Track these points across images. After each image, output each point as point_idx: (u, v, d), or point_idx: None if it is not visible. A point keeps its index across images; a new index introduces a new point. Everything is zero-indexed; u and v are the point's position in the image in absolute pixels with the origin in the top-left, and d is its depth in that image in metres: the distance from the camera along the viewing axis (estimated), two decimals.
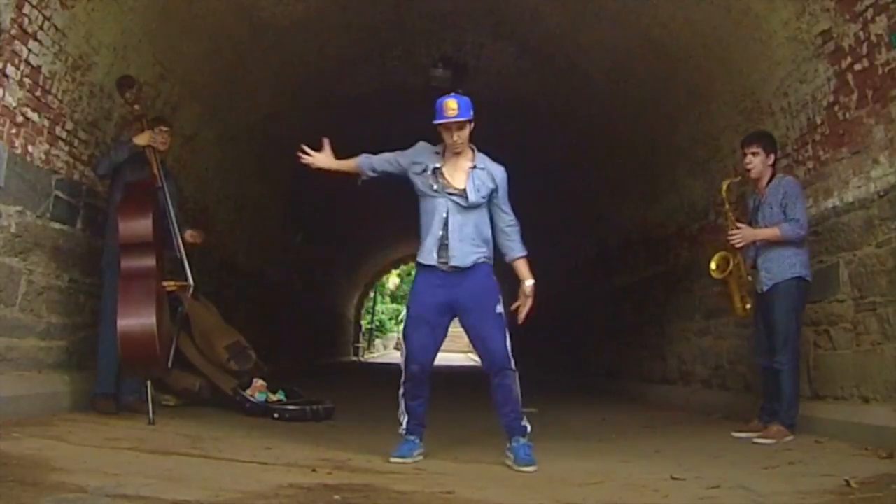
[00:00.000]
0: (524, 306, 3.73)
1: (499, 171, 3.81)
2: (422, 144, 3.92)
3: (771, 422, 4.45)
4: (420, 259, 3.77)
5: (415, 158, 3.87)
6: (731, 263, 4.74)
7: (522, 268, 3.79)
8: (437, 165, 3.78)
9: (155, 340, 4.17)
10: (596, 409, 7.02)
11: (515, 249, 3.79)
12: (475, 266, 3.70)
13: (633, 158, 8.13)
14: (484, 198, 3.75)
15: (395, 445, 3.67)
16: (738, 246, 4.66)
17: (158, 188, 4.56)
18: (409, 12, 7.09)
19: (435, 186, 3.74)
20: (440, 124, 3.74)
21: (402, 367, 3.72)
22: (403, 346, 3.78)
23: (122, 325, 4.14)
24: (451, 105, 3.71)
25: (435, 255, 3.70)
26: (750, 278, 4.71)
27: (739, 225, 4.68)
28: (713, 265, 4.82)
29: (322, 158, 3.99)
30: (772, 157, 4.68)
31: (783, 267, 4.49)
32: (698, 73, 6.13)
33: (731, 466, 3.50)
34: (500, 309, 3.69)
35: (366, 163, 3.99)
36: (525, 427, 3.61)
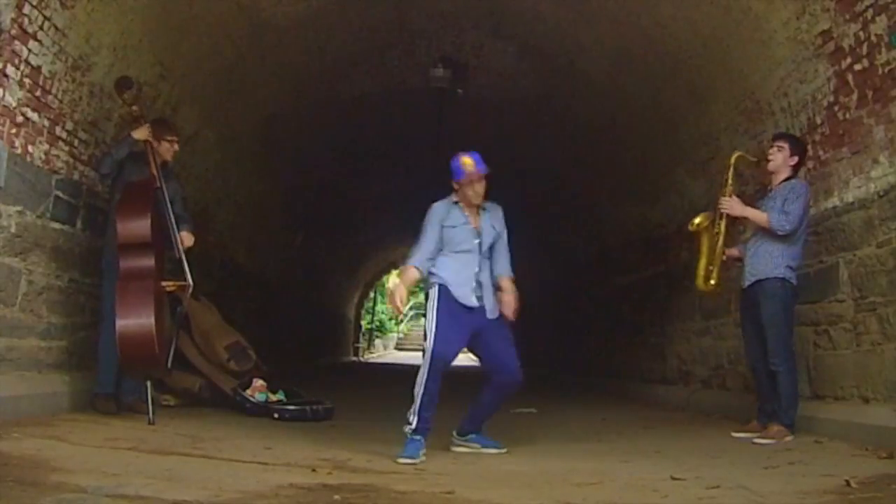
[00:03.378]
0: (510, 304, 4.00)
1: (500, 212, 4.16)
2: (440, 206, 4.08)
3: (769, 422, 4.46)
4: (454, 295, 3.94)
5: (444, 220, 4.03)
6: (708, 220, 4.78)
7: (507, 284, 4.09)
8: (468, 220, 4.04)
9: (153, 340, 4.17)
10: (596, 409, 7.02)
11: (506, 269, 4.12)
12: None
13: (633, 158, 8.13)
14: (495, 228, 4.08)
15: (403, 445, 3.69)
16: (723, 210, 4.71)
17: (157, 188, 4.55)
18: (409, 12, 7.08)
19: (476, 240, 4.02)
20: (462, 183, 3.98)
21: (428, 361, 3.81)
22: (431, 341, 3.86)
23: (121, 325, 4.14)
24: (468, 161, 3.97)
25: (474, 299, 3.97)
26: (725, 257, 4.76)
27: (734, 196, 4.74)
28: (696, 220, 4.86)
29: (403, 297, 3.98)
30: (795, 158, 4.65)
31: (768, 265, 4.50)
32: (698, 73, 6.13)
33: (731, 466, 3.50)
34: (510, 333, 4.08)
35: (423, 267, 4.00)
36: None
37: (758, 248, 4.59)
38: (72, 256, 4.72)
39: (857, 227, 4.47)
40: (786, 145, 4.66)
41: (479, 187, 4.00)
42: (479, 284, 4.00)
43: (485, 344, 4.04)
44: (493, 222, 4.10)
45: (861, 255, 4.43)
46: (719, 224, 4.75)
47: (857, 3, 4.29)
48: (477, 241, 4.02)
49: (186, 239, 4.74)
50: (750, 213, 4.64)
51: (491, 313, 4.00)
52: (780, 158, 4.65)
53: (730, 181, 4.79)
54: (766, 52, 5.23)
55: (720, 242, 4.74)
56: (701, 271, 4.80)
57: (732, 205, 4.68)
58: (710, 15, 5.47)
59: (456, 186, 4.03)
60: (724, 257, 4.76)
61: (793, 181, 4.62)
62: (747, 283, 4.61)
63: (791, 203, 4.47)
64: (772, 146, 4.72)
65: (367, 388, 10.25)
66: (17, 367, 4.16)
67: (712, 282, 4.76)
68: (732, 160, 4.85)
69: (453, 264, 4.00)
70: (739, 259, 4.73)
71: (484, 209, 4.10)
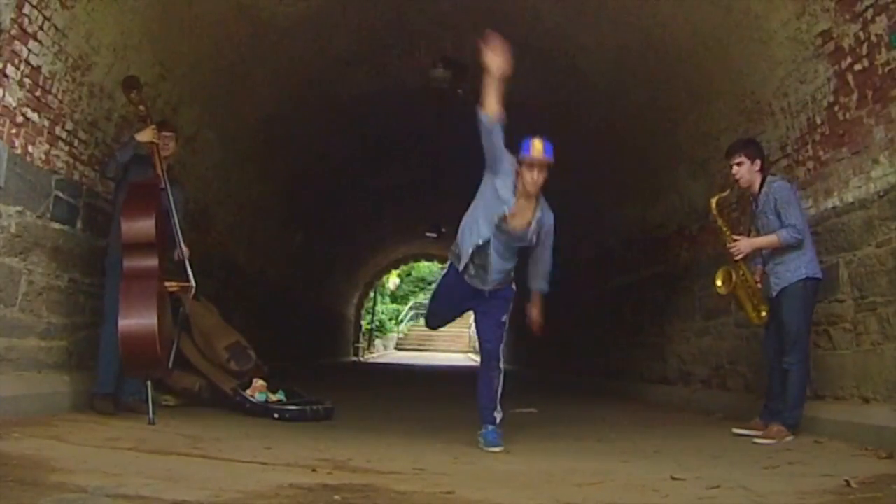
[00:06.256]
0: (536, 321, 4.28)
1: (550, 219, 4.19)
2: (510, 160, 4.04)
3: (772, 421, 4.46)
4: (457, 266, 4.18)
5: (505, 172, 4.04)
6: (735, 277, 4.72)
7: (536, 298, 4.30)
8: (506, 210, 4.03)
9: (156, 340, 4.17)
10: (596, 409, 7.02)
11: (539, 285, 4.31)
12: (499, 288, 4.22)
13: (633, 158, 8.13)
14: (536, 233, 4.12)
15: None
16: (737, 257, 4.67)
17: (162, 189, 4.55)
18: (409, 12, 7.08)
19: (498, 224, 4.03)
20: (524, 161, 3.96)
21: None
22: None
23: (124, 324, 4.13)
24: (538, 145, 3.98)
25: (472, 275, 4.16)
26: (760, 285, 4.71)
27: (736, 238, 4.71)
28: (718, 282, 4.80)
29: (502, 64, 4.01)
30: (758, 162, 4.66)
31: (790, 271, 4.50)
32: (698, 73, 6.13)
33: (731, 466, 3.50)
34: (504, 318, 4.22)
35: (498, 124, 4.06)
36: (496, 417, 4.14)
37: (777, 259, 4.57)
38: (72, 256, 4.72)
39: (857, 227, 4.47)
40: (743, 157, 4.66)
41: (539, 175, 3.94)
42: (484, 273, 4.09)
43: (477, 323, 4.35)
44: (537, 226, 4.08)
45: (861, 255, 4.43)
46: (740, 267, 4.72)
47: (857, 3, 4.29)
48: (497, 226, 4.00)
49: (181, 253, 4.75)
50: (760, 242, 4.62)
51: (491, 289, 4.17)
52: (744, 172, 4.66)
53: (723, 226, 4.79)
54: (766, 52, 5.23)
55: (750, 281, 4.71)
56: (751, 312, 4.75)
57: (742, 247, 4.65)
58: (710, 15, 5.47)
59: (517, 168, 3.98)
60: (759, 285, 4.72)
61: (773, 186, 4.58)
62: (774, 294, 4.59)
63: (787, 213, 4.48)
64: (730, 166, 4.72)
65: (367, 388, 10.25)
66: (17, 367, 4.16)
67: (763, 314, 4.70)
68: (713, 207, 4.83)
69: (468, 237, 4.10)
70: (764, 272, 4.71)
71: (539, 207, 4.08)
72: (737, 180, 4.71)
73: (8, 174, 3.99)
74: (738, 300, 4.85)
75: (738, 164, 4.66)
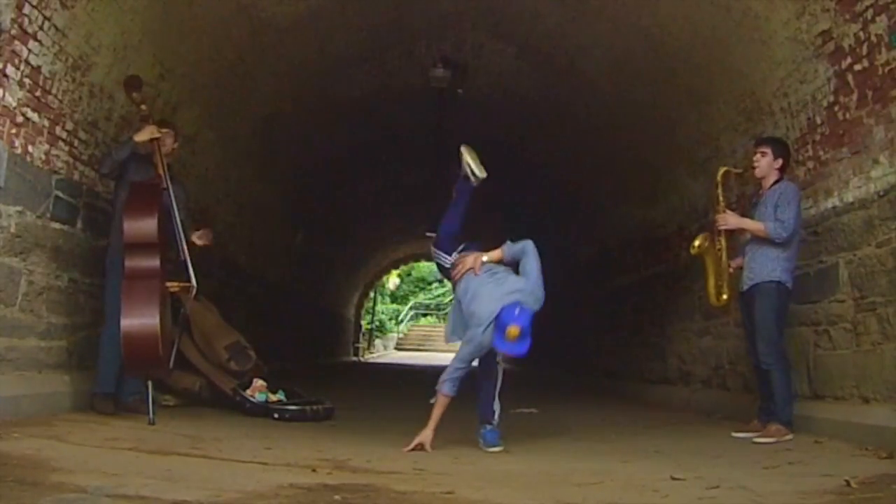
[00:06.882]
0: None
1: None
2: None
3: (769, 421, 4.46)
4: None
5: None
6: (708, 242, 4.82)
7: None
8: None
9: (158, 341, 4.17)
10: (596, 409, 7.02)
11: None
12: None
13: (633, 158, 8.13)
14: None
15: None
16: (720, 227, 4.75)
17: (164, 189, 4.55)
18: (409, 12, 7.09)
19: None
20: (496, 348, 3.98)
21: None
22: None
23: (126, 324, 4.14)
24: (514, 335, 3.76)
25: None
26: (731, 270, 4.78)
27: (728, 211, 4.80)
28: (696, 242, 4.90)
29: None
30: (779, 161, 4.70)
31: (765, 269, 4.54)
32: (698, 73, 6.13)
33: (731, 466, 3.50)
34: None
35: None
36: (494, 413, 4.18)
37: (755, 253, 4.62)
38: (72, 256, 4.72)
39: (857, 227, 4.47)
40: (768, 150, 4.71)
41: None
42: None
43: None
44: None
45: (861, 255, 4.43)
46: (719, 240, 4.79)
47: (857, 3, 4.29)
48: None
49: (204, 237, 4.84)
50: (746, 224, 4.70)
51: None
52: (764, 164, 4.70)
53: (720, 197, 4.86)
54: (766, 52, 5.23)
55: (724, 258, 4.77)
56: (712, 289, 4.84)
57: (728, 219, 4.75)
58: (710, 15, 5.47)
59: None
60: (731, 270, 4.78)
61: (782, 185, 4.65)
62: (745, 287, 4.64)
63: (783, 209, 4.51)
64: (755, 153, 4.78)
65: (367, 388, 10.26)
66: (17, 367, 4.16)
67: (724, 297, 4.79)
68: (719, 177, 4.93)
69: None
70: (741, 266, 4.75)
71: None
72: (754, 168, 4.77)
73: (8, 174, 3.99)
74: (704, 268, 4.93)
75: (762, 153, 4.72)
